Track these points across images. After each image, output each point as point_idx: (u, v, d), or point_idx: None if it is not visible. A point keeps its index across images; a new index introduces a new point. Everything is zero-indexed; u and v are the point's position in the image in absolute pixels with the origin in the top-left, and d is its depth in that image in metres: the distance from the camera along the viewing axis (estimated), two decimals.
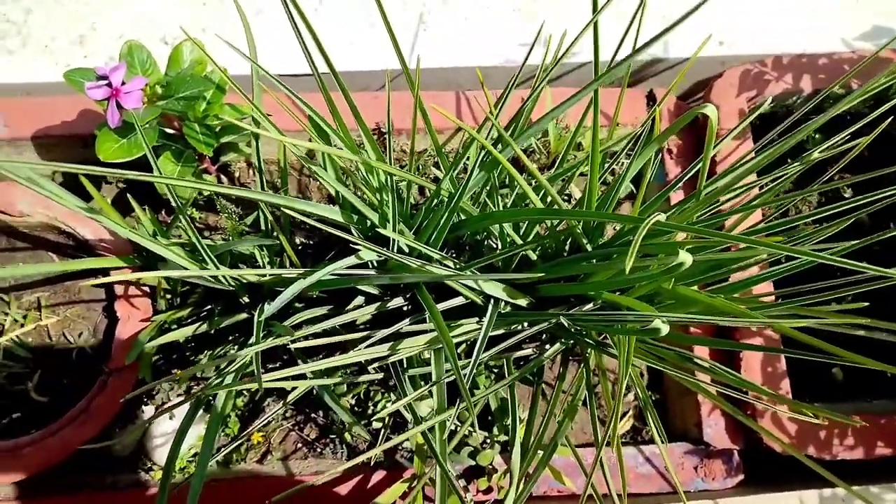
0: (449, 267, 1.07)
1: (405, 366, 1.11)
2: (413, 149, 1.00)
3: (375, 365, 1.08)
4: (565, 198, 1.46)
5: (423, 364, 1.14)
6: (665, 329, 0.89)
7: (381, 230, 0.98)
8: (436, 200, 1.09)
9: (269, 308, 0.97)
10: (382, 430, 1.23)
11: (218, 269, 1.04)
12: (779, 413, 1.27)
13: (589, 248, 1.09)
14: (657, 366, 1.18)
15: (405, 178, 0.95)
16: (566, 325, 1.04)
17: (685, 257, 0.81)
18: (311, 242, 1.38)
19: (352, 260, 0.99)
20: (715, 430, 1.32)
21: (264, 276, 1.08)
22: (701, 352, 1.35)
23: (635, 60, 1.62)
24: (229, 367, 0.99)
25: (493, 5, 1.60)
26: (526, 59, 1.13)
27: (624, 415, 1.42)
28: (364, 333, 1.06)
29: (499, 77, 1.57)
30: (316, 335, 0.99)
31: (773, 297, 1.26)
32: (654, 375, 1.46)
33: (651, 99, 1.49)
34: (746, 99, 1.42)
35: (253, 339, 0.95)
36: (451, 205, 1.01)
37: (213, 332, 1.19)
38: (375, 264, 1.12)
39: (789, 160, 1.45)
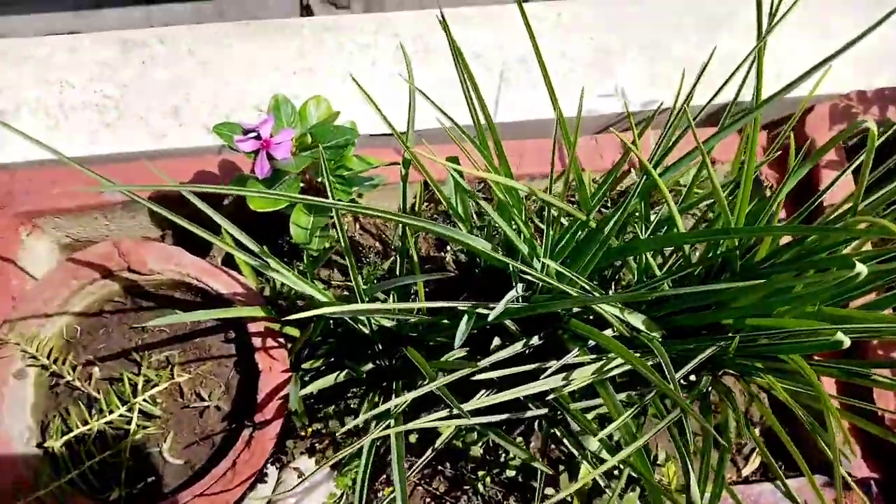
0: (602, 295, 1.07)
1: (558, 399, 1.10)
2: (567, 185, 1.02)
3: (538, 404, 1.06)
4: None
5: (572, 399, 1.13)
6: (847, 341, 0.89)
7: (537, 261, 0.98)
8: (580, 232, 1.10)
9: (458, 337, 0.96)
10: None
11: (380, 301, 1.04)
12: None
13: (737, 268, 1.10)
14: (792, 390, 1.16)
15: (562, 207, 0.96)
16: (729, 353, 1.03)
17: (861, 268, 0.82)
18: (433, 289, 1.38)
19: (514, 293, 0.99)
20: (854, 461, 1.29)
21: (419, 308, 1.07)
22: (828, 383, 1.34)
23: (712, 105, 1.70)
24: (391, 409, 0.97)
25: (573, 66, 1.66)
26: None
27: (752, 451, 1.39)
28: (513, 370, 1.05)
29: (583, 125, 1.62)
30: (488, 368, 0.98)
31: None
32: (778, 403, 1.43)
33: (740, 131, 1.53)
34: (838, 131, 1.47)
35: (425, 380, 0.93)
36: (607, 232, 1.02)
37: (337, 384, 1.17)
38: (520, 300, 1.12)
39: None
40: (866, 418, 1.15)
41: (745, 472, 1.37)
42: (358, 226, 1.44)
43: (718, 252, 1.08)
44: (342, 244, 1.21)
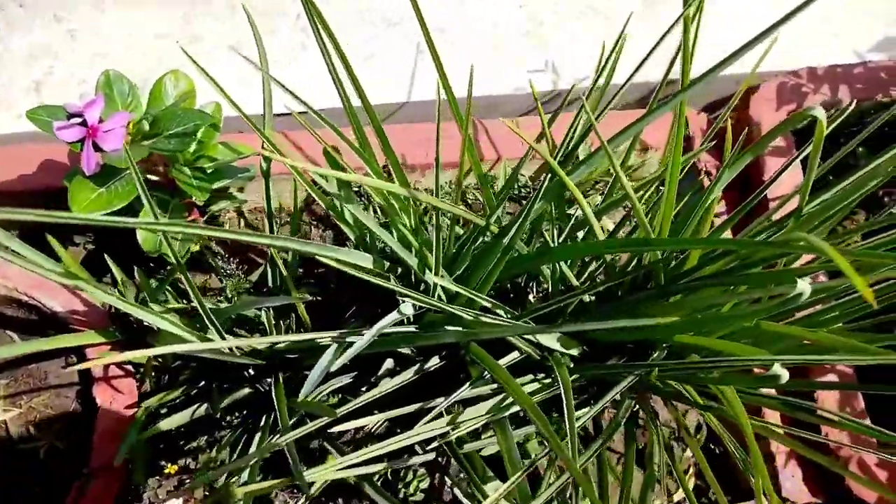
0: (501, 317, 0.91)
1: (454, 441, 0.93)
2: (460, 183, 0.84)
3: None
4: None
5: (474, 437, 0.97)
6: (785, 376, 0.74)
7: (427, 276, 0.81)
8: (482, 239, 0.92)
9: (307, 384, 0.78)
10: None
11: (224, 338, 0.85)
12: (865, 459, 1.12)
13: (662, 281, 0.94)
14: (730, 417, 1.02)
15: (453, 213, 0.79)
16: (650, 378, 0.87)
17: (803, 287, 0.67)
18: (318, 299, 1.20)
19: (394, 316, 0.81)
20: (793, 482, 1.16)
21: (279, 343, 0.89)
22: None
23: (648, 83, 1.53)
24: (241, 462, 0.79)
25: (501, 32, 1.48)
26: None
27: (684, 472, 1.25)
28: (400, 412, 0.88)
29: (511, 104, 1.44)
30: (353, 413, 0.80)
31: None
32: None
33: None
34: (787, 112, 1.31)
35: (280, 426, 0.76)
36: (508, 242, 0.85)
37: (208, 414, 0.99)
38: (412, 319, 0.95)
39: (831, 177, 1.34)
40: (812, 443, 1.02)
41: (677, 496, 1.23)
42: (243, 222, 1.24)
43: (641, 263, 0.91)
44: (196, 254, 1.02)
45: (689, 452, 1.27)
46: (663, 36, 0.84)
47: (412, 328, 0.89)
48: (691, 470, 1.25)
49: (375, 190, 0.94)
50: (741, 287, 0.91)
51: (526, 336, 0.92)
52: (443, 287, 0.93)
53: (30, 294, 0.97)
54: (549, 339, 0.95)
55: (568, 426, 0.72)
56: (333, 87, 0.82)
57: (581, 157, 0.94)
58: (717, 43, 1.49)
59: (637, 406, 1.17)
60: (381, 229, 0.83)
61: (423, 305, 0.78)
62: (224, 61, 1.37)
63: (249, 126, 0.85)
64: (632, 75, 0.90)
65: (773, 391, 1.21)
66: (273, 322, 1.05)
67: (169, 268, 1.10)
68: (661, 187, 1.35)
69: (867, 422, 1.16)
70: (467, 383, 0.85)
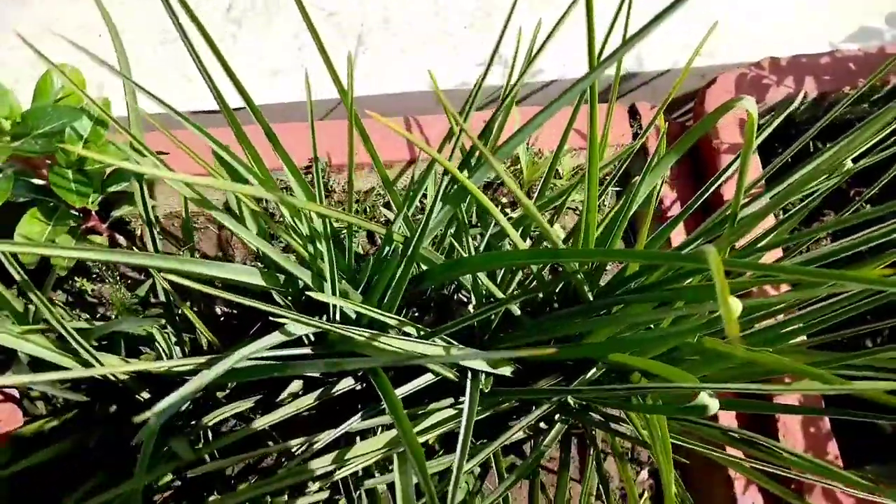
0: (410, 335, 0.81)
1: (360, 474, 0.84)
2: (352, 184, 0.75)
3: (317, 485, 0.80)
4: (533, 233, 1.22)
5: (385, 469, 0.87)
6: (715, 405, 0.65)
7: (314, 294, 0.71)
8: (388, 249, 0.83)
9: (154, 420, 0.69)
10: None
11: (95, 359, 0.76)
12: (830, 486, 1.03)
13: (590, 297, 0.85)
14: (679, 440, 0.93)
15: (341, 219, 0.69)
16: (572, 403, 0.78)
17: (735, 305, 0.57)
18: (236, 312, 1.11)
19: (276, 338, 0.72)
20: None
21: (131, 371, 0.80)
22: (728, 416, 1.11)
23: (608, 76, 1.43)
24: None
25: (445, 26, 1.38)
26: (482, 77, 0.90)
27: (639, 496, 1.16)
28: (297, 442, 0.79)
29: (455, 101, 1.35)
30: (228, 449, 0.71)
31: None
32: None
33: (633, 114, 1.28)
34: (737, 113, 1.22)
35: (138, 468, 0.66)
36: (408, 252, 0.75)
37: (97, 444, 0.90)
38: (312, 339, 0.86)
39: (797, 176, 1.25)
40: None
41: None
42: (158, 228, 1.15)
43: (560, 275, 0.82)
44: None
45: (644, 474, 1.18)
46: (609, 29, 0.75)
47: (307, 350, 0.80)
48: (646, 493, 1.16)
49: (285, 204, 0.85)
50: (678, 304, 0.81)
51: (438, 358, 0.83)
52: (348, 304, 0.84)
53: None
54: (472, 361, 0.85)
55: (456, 464, 0.63)
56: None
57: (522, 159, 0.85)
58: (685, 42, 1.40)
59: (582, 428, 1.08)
60: (246, 233, 0.73)
61: (294, 321, 0.68)
62: (149, 56, 1.29)
63: (155, 125, 0.76)
64: (528, 60, 0.80)
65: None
66: (174, 340, 0.96)
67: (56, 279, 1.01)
68: (618, 188, 1.26)
69: (832, 444, 1.06)
70: (357, 415, 0.76)
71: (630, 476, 0.88)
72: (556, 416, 0.93)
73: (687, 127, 1.29)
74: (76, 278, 1.07)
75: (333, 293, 0.78)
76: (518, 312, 0.95)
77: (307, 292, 0.70)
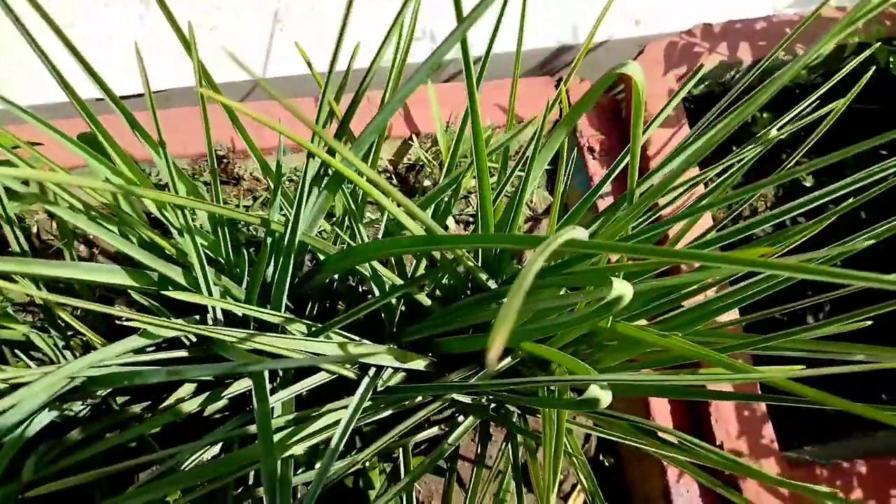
0: (296, 333, 0.75)
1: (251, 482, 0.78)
2: (214, 168, 0.68)
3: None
4: (469, 218, 1.17)
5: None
6: (607, 398, 0.60)
7: (172, 293, 0.65)
8: (270, 240, 0.77)
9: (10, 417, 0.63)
10: None
11: None
12: (765, 470, 0.98)
13: (493, 285, 0.79)
14: (604, 432, 0.88)
15: (201, 208, 0.63)
16: (468, 401, 0.72)
17: (622, 289, 0.52)
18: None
19: (134, 342, 0.66)
20: (686, 498, 1.02)
21: None
22: (662, 404, 1.06)
23: (541, 49, 1.37)
24: None
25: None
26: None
27: (572, 488, 1.11)
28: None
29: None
30: (91, 462, 0.65)
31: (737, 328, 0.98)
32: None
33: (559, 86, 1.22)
34: (676, 77, 1.16)
35: None
36: (284, 242, 0.69)
37: None
38: (193, 340, 0.79)
39: (734, 148, 1.20)
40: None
41: None
42: (54, 224, 1.08)
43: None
44: None
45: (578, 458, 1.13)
46: None
47: (184, 353, 0.73)
48: (578, 487, 1.11)
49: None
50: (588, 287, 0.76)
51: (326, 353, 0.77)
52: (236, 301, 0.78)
53: None
54: (374, 356, 0.80)
55: (328, 453, 0.57)
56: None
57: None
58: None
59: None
60: (117, 237, 0.67)
61: (153, 325, 0.62)
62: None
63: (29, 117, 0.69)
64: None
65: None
66: (63, 344, 0.89)
67: None
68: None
69: (767, 428, 1.02)
70: (234, 418, 0.70)
71: (538, 472, 0.82)
72: (468, 413, 0.88)
73: (619, 101, 1.23)
74: None
75: (207, 289, 0.71)
76: (428, 302, 0.89)
77: (165, 292, 0.64)
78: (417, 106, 1.16)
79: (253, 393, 0.67)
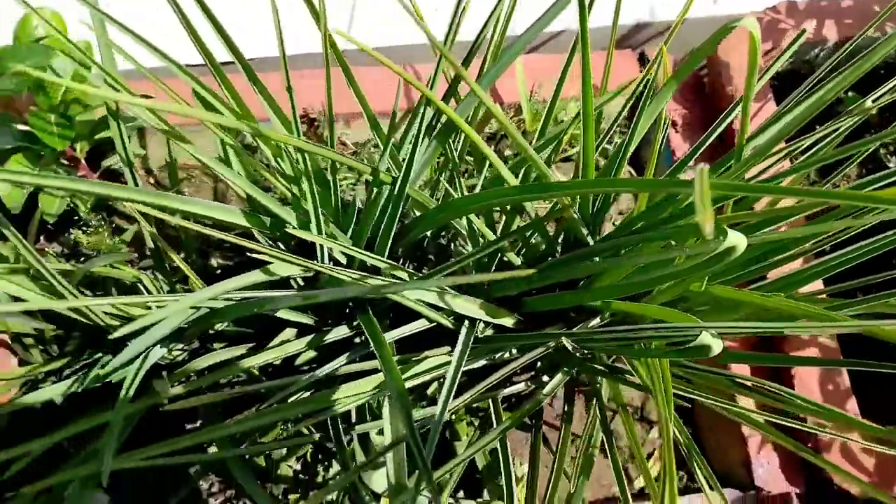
0: (401, 279, 0.78)
1: (353, 420, 0.82)
2: (332, 119, 0.72)
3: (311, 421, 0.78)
4: None
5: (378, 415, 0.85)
6: (718, 346, 0.61)
7: (297, 231, 0.68)
8: (376, 191, 0.80)
9: (127, 352, 0.67)
10: None
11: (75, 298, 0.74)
12: (850, 443, 0.98)
13: (591, 241, 0.81)
14: (688, 392, 0.89)
15: (321, 154, 0.66)
16: (570, 348, 0.74)
17: (736, 240, 0.53)
18: (231, 264, 1.08)
19: (256, 276, 0.69)
20: (767, 469, 1.03)
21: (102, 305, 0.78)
22: (740, 371, 1.06)
23: (620, 25, 1.38)
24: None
25: None
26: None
27: (649, 456, 1.12)
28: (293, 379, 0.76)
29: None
30: (212, 387, 0.69)
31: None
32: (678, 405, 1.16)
33: (643, 61, 1.22)
34: (762, 53, 1.16)
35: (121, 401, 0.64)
36: (395, 191, 0.72)
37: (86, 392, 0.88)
38: (302, 283, 0.83)
39: (817, 126, 1.19)
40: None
41: (639, 482, 1.10)
42: (152, 179, 1.13)
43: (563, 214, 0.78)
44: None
45: (654, 433, 1.14)
46: None
47: (289, 292, 0.77)
48: (656, 452, 1.12)
49: (264, 140, 0.81)
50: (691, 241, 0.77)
51: (432, 301, 0.79)
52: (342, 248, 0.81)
53: None
54: (469, 308, 0.82)
55: (442, 398, 0.60)
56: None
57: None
58: None
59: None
60: (242, 179, 0.70)
61: (277, 259, 0.65)
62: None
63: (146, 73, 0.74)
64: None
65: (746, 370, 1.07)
66: (167, 290, 0.94)
67: (50, 226, 1.00)
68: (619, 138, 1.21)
69: (851, 402, 1.01)
70: (343, 355, 0.73)
71: (633, 425, 0.84)
72: (558, 369, 0.90)
73: (701, 76, 1.23)
74: (71, 230, 1.05)
75: (319, 233, 0.74)
76: (518, 261, 0.92)
77: (291, 230, 0.67)
78: (500, 78, 1.18)
79: (365, 327, 0.70)
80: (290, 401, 0.72)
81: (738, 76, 1.15)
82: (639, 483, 1.10)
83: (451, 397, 0.63)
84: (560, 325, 0.92)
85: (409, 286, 0.62)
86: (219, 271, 1.08)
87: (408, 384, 0.74)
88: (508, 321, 0.89)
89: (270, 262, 0.70)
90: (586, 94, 0.66)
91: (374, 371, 0.79)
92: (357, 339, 0.90)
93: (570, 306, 0.90)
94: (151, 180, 1.13)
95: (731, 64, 1.14)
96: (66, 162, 0.96)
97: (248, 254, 0.64)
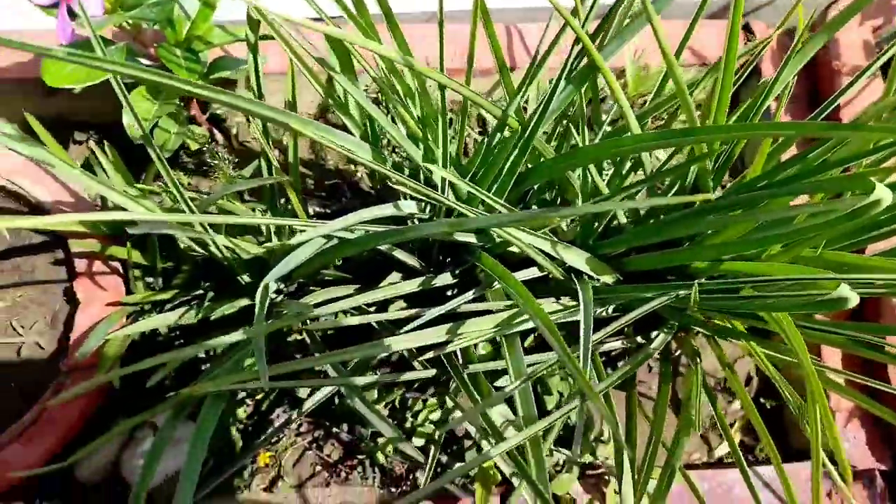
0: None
1: (460, 360, 0.83)
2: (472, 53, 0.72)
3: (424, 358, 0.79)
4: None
5: (480, 359, 0.86)
6: (855, 298, 0.61)
7: (429, 165, 0.69)
8: (498, 136, 0.80)
9: (274, 272, 0.69)
10: (432, 449, 0.93)
11: (206, 230, 0.76)
12: None
13: (712, 197, 0.80)
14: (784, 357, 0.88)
15: (459, 91, 0.67)
16: (687, 305, 0.74)
17: (882, 194, 0.53)
18: (328, 212, 1.10)
19: (388, 209, 0.71)
20: (854, 444, 1.02)
21: (255, 223, 0.80)
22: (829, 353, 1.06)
23: None
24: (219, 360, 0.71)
25: None
26: None
27: (730, 426, 1.12)
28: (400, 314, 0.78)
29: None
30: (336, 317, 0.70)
31: None
32: (765, 377, 1.15)
33: (748, 32, 1.21)
34: (871, 28, 1.13)
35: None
36: (524, 135, 0.72)
37: (200, 323, 0.90)
38: (417, 223, 0.84)
39: None
40: (876, 399, 0.87)
41: (719, 451, 1.10)
42: (253, 126, 1.15)
43: (690, 167, 0.78)
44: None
45: (736, 405, 1.14)
46: None
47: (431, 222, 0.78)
48: (737, 424, 1.12)
49: (385, 83, 0.82)
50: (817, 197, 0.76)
51: (549, 253, 0.80)
52: (455, 191, 0.82)
53: (12, 180, 0.91)
54: (576, 258, 0.83)
55: (583, 338, 0.60)
56: None
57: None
58: None
59: (677, 349, 1.05)
60: (380, 114, 0.71)
61: (420, 198, 0.67)
62: None
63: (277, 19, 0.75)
64: None
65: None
66: (274, 229, 0.96)
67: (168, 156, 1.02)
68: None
69: None
70: (471, 290, 0.74)
71: (737, 378, 0.84)
72: (660, 328, 0.90)
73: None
74: (185, 157, 1.08)
75: (446, 168, 0.75)
76: (623, 220, 0.92)
77: (425, 163, 0.68)
78: None
79: (489, 269, 0.71)
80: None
81: (846, 52, 1.13)
82: (718, 451, 1.10)
83: (590, 334, 0.63)
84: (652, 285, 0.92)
85: (536, 214, 0.62)
86: (313, 217, 1.10)
87: (517, 329, 0.75)
88: (609, 279, 0.89)
89: (379, 205, 0.72)
90: (732, 37, 0.65)
91: (484, 313, 0.80)
92: (449, 293, 0.91)
93: (672, 267, 0.90)
94: (252, 126, 1.15)
95: (839, 39, 1.11)
96: (179, 100, 0.98)
97: (390, 183, 0.65)
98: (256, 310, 0.67)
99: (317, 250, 0.71)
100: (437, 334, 0.69)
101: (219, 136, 1.11)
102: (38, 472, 0.79)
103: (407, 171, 0.84)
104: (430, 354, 0.67)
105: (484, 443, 0.81)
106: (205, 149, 1.05)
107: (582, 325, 0.62)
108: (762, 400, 1.12)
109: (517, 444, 0.60)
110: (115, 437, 0.96)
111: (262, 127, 0.83)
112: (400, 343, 0.67)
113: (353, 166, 1.13)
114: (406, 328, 0.68)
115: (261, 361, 0.56)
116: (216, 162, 1.05)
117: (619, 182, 0.88)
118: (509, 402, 0.84)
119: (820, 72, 1.16)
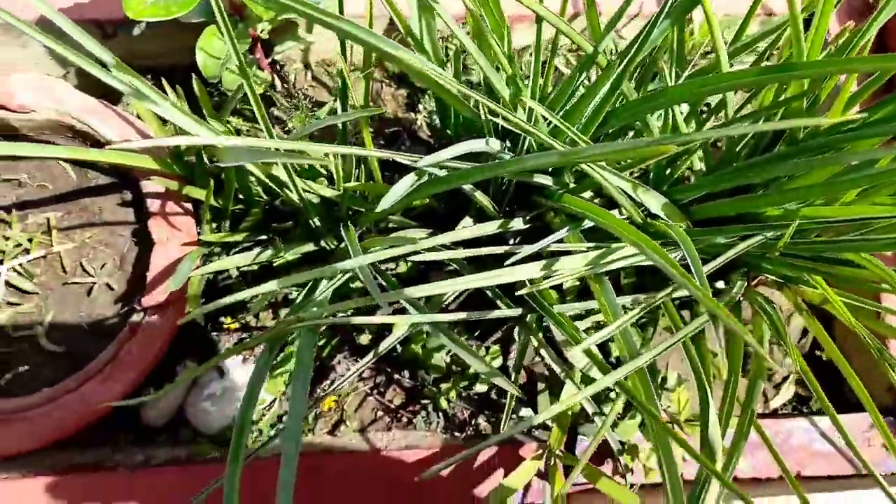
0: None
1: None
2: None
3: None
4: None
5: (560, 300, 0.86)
6: None
7: (524, 98, 0.69)
8: (581, 76, 0.79)
9: (383, 202, 0.69)
10: (511, 390, 0.93)
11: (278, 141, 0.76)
12: None
13: (799, 136, 0.80)
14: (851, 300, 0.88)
15: (552, 22, 0.66)
16: (767, 251, 0.74)
17: None
18: (390, 162, 1.10)
19: (478, 143, 0.70)
20: None
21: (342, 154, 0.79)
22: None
23: None
24: (312, 295, 0.71)
25: None
26: None
27: (784, 379, 1.13)
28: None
29: None
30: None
31: None
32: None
33: None
34: None
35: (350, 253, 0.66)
36: (616, 70, 0.72)
37: (262, 269, 0.91)
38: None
39: None
40: None
41: (774, 403, 1.11)
42: (309, 74, 1.14)
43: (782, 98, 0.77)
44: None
45: (788, 360, 1.14)
46: None
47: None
48: (791, 377, 1.12)
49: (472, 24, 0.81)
50: None
51: (630, 194, 0.79)
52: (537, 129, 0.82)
53: (83, 119, 0.90)
54: (654, 201, 0.82)
55: (693, 266, 0.60)
56: None
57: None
58: None
59: (743, 296, 1.05)
60: (471, 42, 0.71)
61: (511, 129, 0.66)
62: None
63: None
64: None
65: None
66: (343, 176, 0.95)
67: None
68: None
69: None
70: (565, 228, 0.74)
71: (815, 321, 0.85)
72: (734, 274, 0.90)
73: (871, 3, 1.19)
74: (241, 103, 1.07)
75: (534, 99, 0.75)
76: (697, 165, 0.91)
77: (522, 98, 0.67)
78: None
79: (582, 209, 0.71)
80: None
81: None
82: (774, 403, 1.11)
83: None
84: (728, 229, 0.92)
85: (623, 146, 0.61)
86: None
87: (606, 268, 0.75)
88: (682, 224, 0.89)
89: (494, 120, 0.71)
90: None
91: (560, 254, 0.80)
92: (511, 242, 0.91)
93: (742, 214, 0.90)
94: (308, 75, 1.14)
95: None
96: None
97: (485, 116, 0.64)
98: (349, 245, 0.66)
99: (411, 186, 0.71)
100: (531, 271, 0.69)
101: (278, 83, 1.10)
102: (120, 405, 0.80)
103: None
104: (524, 290, 0.67)
105: (568, 382, 0.81)
106: (267, 93, 1.05)
107: (689, 257, 0.62)
108: (817, 352, 1.12)
109: (626, 374, 0.61)
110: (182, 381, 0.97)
111: (340, 70, 0.82)
112: (497, 278, 0.67)
113: (412, 114, 1.12)
114: (508, 262, 0.68)
115: (373, 287, 0.56)
116: (291, 101, 1.05)
117: (698, 127, 0.87)
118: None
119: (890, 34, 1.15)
